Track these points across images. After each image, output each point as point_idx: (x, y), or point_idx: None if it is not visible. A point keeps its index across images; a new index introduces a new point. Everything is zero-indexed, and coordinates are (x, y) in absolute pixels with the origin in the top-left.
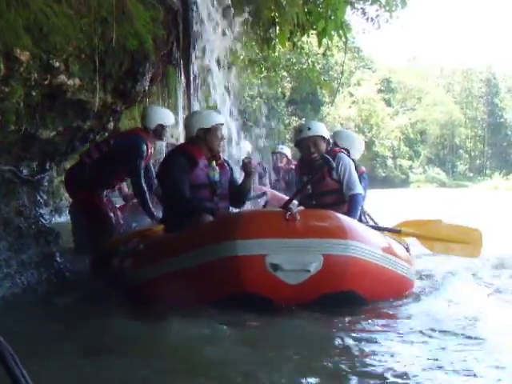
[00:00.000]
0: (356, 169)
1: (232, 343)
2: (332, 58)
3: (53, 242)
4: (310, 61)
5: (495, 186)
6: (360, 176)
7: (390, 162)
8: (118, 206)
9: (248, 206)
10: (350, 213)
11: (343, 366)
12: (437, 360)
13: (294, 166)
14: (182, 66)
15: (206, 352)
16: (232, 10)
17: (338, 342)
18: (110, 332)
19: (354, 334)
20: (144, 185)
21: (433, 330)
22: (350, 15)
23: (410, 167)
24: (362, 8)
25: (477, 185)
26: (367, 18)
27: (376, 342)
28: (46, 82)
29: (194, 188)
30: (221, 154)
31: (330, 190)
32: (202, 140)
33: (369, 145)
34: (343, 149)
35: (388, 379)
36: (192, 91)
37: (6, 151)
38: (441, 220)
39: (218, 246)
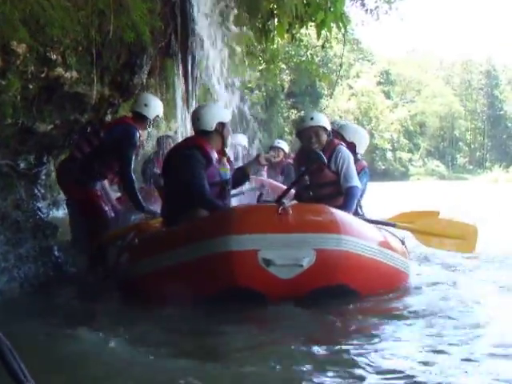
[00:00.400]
0: (358, 163)
1: (226, 338)
2: (331, 50)
3: (50, 235)
4: (308, 53)
5: (495, 178)
6: (361, 171)
7: (389, 154)
8: (115, 197)
9: (245, 198)
10: (345, 205)
11: (338, 358)
12: (433, 353)
13: (291, 161)
14: (179, 58)
15: (202, 346)
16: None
17: (333, 334)
18: (106, 327)
19: (348, 328)
20: (133, 175)
21: (429, 322)
22: (349, 7)
23: (410, 160)
24: None
25: (477, 177)
26: (366, 10)
27: (370, 336)
28: (43, 75)
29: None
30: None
31: (328, 182)
32: (219, 134)
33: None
34: (350, 143)
35: (385, 372)
36: (190, 84)
37: (3, 145)
38: (438, 212)
39: (211, 241)
